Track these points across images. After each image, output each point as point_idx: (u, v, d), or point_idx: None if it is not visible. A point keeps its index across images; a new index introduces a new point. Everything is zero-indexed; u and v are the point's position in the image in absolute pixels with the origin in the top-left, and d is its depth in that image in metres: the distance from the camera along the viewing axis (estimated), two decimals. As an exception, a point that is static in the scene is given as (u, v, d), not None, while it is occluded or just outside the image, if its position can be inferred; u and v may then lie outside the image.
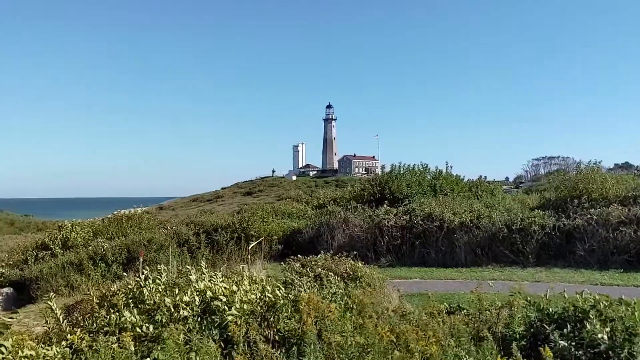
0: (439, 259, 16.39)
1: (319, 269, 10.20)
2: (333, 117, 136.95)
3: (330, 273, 9.79)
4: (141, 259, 14.29)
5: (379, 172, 31.11)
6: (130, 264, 15.91)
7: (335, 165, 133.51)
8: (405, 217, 17.62)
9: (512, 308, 6.47)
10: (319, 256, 12.03)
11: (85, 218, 27.28)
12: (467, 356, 5.22)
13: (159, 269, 7.09)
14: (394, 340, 5.68)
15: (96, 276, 15.26)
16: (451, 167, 25.68)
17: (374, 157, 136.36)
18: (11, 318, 3.95)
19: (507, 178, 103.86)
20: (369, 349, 5.14)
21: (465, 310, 8.03)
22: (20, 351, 3.63)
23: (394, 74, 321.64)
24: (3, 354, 3.28)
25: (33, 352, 3.79)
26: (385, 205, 19.56)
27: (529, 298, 6.55)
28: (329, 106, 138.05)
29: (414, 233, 17.06)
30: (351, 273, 10.32)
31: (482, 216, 16.90)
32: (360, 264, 11.08)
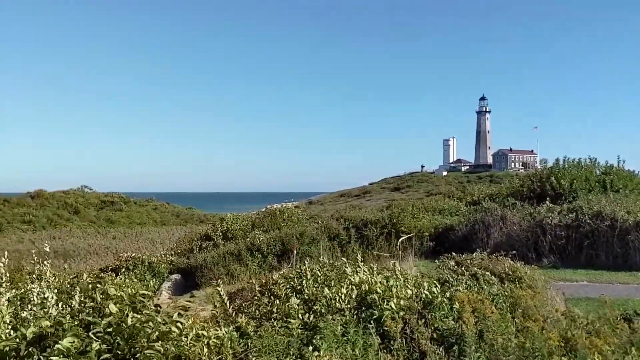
0: (610, 262, 15.12)
1: (475, 268, 9.97)
2: (487, 110, 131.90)
3: (487, 273, 9.52)
4: (294, 252, 15.02)
5: (538, 167, 29.37)
6: (284, 256, 16.76)
7: (489, 160, 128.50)
8: (570, 215, 16.48)
9: None
10: (474, 254, 11.75)
11: (241, 211, 29.25)
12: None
13: (320, 261, 7.40)
14: (562, 345, 5.39)
15: (253, 266, 16.31)
16: (623, 161, 23.47)
17: (532, 151, 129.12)
18: (189, 302, 4.41)
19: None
20: (536, 353, 4.92)
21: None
22: (193, 330, 4.02)
23: (558, 66, 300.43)
24: (180, 330, 3.66)
25: (204, 332, 4.17)
26: (547, 203, 18.45)
27: None
28: (482, 98, 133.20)
29: (580, 233, 15.89)
30: (510, 273, 9.93)
31: (662, 215, 15.25)
32: (519, 264, 10.65)
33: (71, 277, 11.19)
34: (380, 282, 6.69)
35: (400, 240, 16.10)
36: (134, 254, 19.85)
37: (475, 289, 7.98)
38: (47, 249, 6.19)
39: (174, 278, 18.02)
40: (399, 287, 6.67)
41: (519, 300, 7.15)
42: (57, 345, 3.15)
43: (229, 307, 7.05)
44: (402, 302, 6.22)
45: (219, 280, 8.94)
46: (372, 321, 5.83)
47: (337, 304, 6.31)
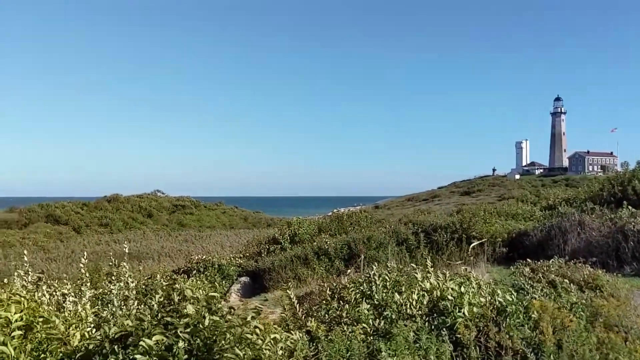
0: (703, 272, 14.19)
1: (552, 275, 9.63)
2: (562, 111, 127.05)
3: (565, 280, 9.18)
4: (362, 256, 14.99)
5: (619, 170, 27.99)
6: (352, 260, 16.74)
7: (565, 163, 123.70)
8: (655, 221, 15.60)
9: None
10: (550, 261, 11.36)
11: (307, 215, 29.48)
12: None
13: (389, 266, 7.37)
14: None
15: (320, 270, 16.39)
16: None
17: (611, 153, 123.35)
18: (262, 305, 4.49)
19: None
20: (620, 366, 4.71)
21: None
22: (269, 334, 4.09)
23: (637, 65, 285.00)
24: (257, 334, 3.74)
25: (277, 336, 4.24)
26: (628, 207, 17.56)
27: None
28: (557, 99, 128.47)
29: (667, 240, 15.01)
30: (590, 281, 9.53)
31: None
32: (600, 272, 10.19)
33: (146, 278, 11.67)
34: (452, 289, 6.59)
35: (472, 246, 15.75)
36: (204, 257, 20.43)
37: (553, 297, 7.71)
38: (127, 251, 6.47)
39: (243, 280, 18.40)
40: (471, 294, 6.54)
41: (599, 309, 6.85)
42: (141, 343, 3.30)
43: (298, 311, 7.14)
44: (475, 309, 6.10)
45: (289, 283, 9.08)
46: (444, 328, 5.75)
47: (408, 310, 6.27)
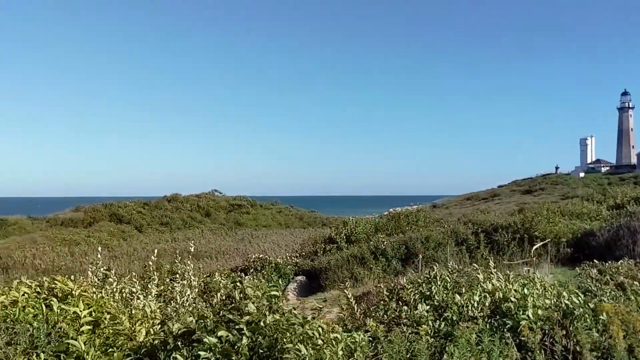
0: None
1: (621, 277, 9.25)
2: (630, 106, 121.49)
3: (635, 282, 8.79)
4: (420, 256, 14.82)
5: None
6: (409, 260, 16.59)
7: (633, 160, 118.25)
8: None
9: None
10: (619, 262, 10.92)
11: (362, 214, 29.39)
12: None
13: (448, 266, 7.26)
14: None
15: (377, 270, 16.32)
16: None
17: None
18: (321, 305, 4.50)
19: None
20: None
21: None
22: (329, 334, 4.10)
23: None
24: (320, 334, 3.76)
25: (338, 336, 4.25)
26: None
27: None
28: (624, 93, 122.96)
29: None
30: (663, 284, 9.08)
31: None
32: (674, 275, 9.71)
33: (205, 276, 11.92)
34: (515, 290, 6.43)
35: (535, 247, 15.32)
36: (261, 255, 20.72)
37: (622, 300, 7.41)
38: (192, 250, 6.63)
39: (299, 280, 18.54)
40: (536, 295, 6.36)
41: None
42: (204, 340, 3.38)
43: (356, 311, 7.13)
44: (539, 311, 5.93)
45: (346, 283, 9.09)
46: (507, 330, 5.62)
47: (470, 312, 6.15)
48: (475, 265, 7.65)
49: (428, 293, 6.84)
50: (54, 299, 4.49)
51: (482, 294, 6.40)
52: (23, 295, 4.56)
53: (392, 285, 7.78)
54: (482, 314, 6.18)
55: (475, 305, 6.20)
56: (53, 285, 4.80)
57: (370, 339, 5.40)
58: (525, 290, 6.39)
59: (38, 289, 4.83)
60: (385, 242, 17.59)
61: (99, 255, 6.17)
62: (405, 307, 6.59)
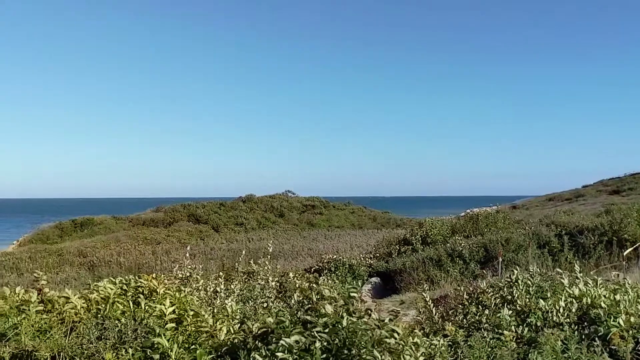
0: None
1: None
2: None
3: None
4: (499, 259, 14.43)
5: None
6: (488, 263, 16.22)
7: None
8: None
9: None
10: None
11: (437, 215, 28.89)
12: None
13: (530, 270, 7.04)
14: None
15: (454, 272, 16.05)
16: None
17: None
18: (399, 308, 4.48)
19: None
20: None
21: None
22: (408, 338, 4.06)
23: None
24: (395, 338, 3.73)
25: (417, 340, 4.20)
26: None
27: None
28: None
29: None
30: None
31: None
32: None
33: (279, 276, 12.10)
34: (604, 296, 6.13)
35: (627, 252, 14.56)
36: (334, 256, 20.81)
37: None
38: (270, 250, 6.75)
39: (374, 281, 18.51)
40: (627, 302, 6.05)
41: None
42: (281, 341, 3.44)
43: (435, 314, 7.03)
44: (632, 319, 5.63)
45: (423, 285, 8.99)
46: (596, 338, 5.36)
47: (555, 318, 5.93)
48: (559, 269, 7.35)
49: (510, 297, 6.65)
50: (141, 296, 4.71)
51: (568, 300, 6.15)
52: (112, 292, 4.81)
53: (472, 288, 7.62)
54: (568, 320, 5.95)
55: (561, 311, 5.97)
56: (139, 283, 5.03)
57: (450, 344, 5.32)
58: (617, 296, 6.09)
59: (125, 287, 5.07)
60: (462, 244, 17.26)
61: (187, 255, 6.41)
62: (487, 312, 6.44)
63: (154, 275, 5.56)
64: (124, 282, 5.09)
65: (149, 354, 4.07)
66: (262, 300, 6.61)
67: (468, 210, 26.65)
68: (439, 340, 4.96)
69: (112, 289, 4.76)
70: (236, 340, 4.23)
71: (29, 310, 4.45)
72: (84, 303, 4.70)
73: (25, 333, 4.08)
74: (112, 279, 5.15)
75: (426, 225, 21.23)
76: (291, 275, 11.37)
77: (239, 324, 4.87)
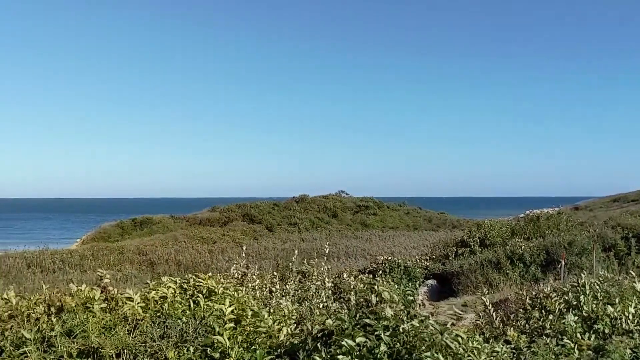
0: None
1: None
2: None
3: None
4: (562, 262, 13.99)
5: None
6: (549, 266, 15.78)
7: None
8: None
9: None
10: None
11: (495, 217, 28.27)
12: None
13: (596, 274, 6.78)
14: None
15: (514, 276, 15.68)
16: None
17: None
18: (462, 313, 4.40)
19: None
20: None
21: None
22: (470, 343, 3.98)
23: None
24: (459, 343, 3.66)
25: (479, 345, 4.11)
26: None
27: None
28: None
29: None
30: None
31: None
32: None
33: (333, 276, 12.11)
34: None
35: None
36: (389, 258, 20.66)
37: None
38: (327, 251, 6.77)
39: (430, 283, 18.28)
40: None
41: None
42: (343, 343, 3.44)
43: (497, 319, 6.87)
44: None
45: (483, 289, 8.80)
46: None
47: (624, 325, 5.70)
48: (631, 273, 7.06)
49: (575, 303, 6.42)
50: (200, 296, 4.81)
51: (639, 306, 5.90)
52: (171, 291, 4.93)
53: (534, 292, 7.41)
54: (638, 327, 5.71)
55: (630, 317, 5.73)
56: (198, 282, 5.13)
57: (513, 350, 5.18)
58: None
59: (185, 286, 5.19)
60: (523, 247, 16.83)
61: (242, 255, 6.50)
62: (551, 317, 6.25)
63: (209, 274, 5.67)
64: (184, 281, 5.21)
65: (209, 352, 4.15)
66: (317, 300, 6.63)
67: (528, 212, 25.93)
68: (501, 347, 4.84)
69: (173, 289, 4.88)
70: (295, 341, 4.25)
71: (93, 307, 4.61)
72: (144, 302, 4.83)
73: (92, 330, 4.22)
74: (172, 278, 5.27)
75: (485, 226, 20.78)
76: (345, 276, 11.37)
77: (294, 325, 4.90)
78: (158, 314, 4.60)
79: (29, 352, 4.00)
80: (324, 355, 3.63)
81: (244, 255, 7.26)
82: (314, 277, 7.57)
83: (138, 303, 4.64)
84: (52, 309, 4.63)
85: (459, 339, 3.70)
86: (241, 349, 4.14)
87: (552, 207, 24.24)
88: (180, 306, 4.83)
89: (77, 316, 4.37)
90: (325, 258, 7.23)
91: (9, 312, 4.54)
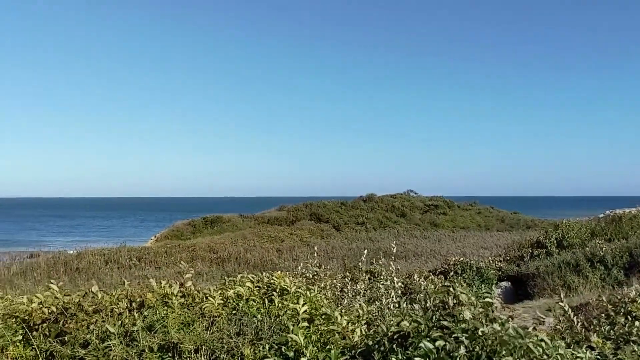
0: None
1: None
2: None
3: None
4: (648, 266, 13.31)
5: None
6: (633, 269, 15.07)
7: None
8: None
9: None
10: None
11: (572, 216, 27.17)
12: None
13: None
14: None
15: (594, 279, 15.07)
16: None
17: None
18: (544, 317, 4.25)
19: None
20: None
21: None
22: (554, 349, 3.84)
23: None
24: (543, 348, 3.54)
25: (561, 351, 3.96)
26: None
27: None
28: None
29: None
30: None
31: None
32: None
33: (403, 277, 12.00)
34: None
35: None
36: (461, 258, 20.29)
37: None
38: (394, 251, 6.71)
39: (504, 285, 17.83)
40: None
41: None
42: (421, 345, 3.39)
43: (579, 324, 6.60)
44: None
45: (553, 291, 8.48)
46: None
47: None
48: None
49: (665, 309, 6.09)
50: (275, 294, 4.88)
51: None
52: (247, 289, 5.03)
53: (619, 297, 7.07)
54: None
55: None
56: (272, 281, 5.21)
57: (598, 356, 4.96)
58: None
59: (259, 284, 5.28)
60: (604, 249, 16.12)
61: (314, 254, 6.55)
62: (637, 323, 5.94)
63: (279, 272, 5.74)
64: (259, 279, 5.31)
65: (283, 350, 4.20)
66: (387, 301, 6.59)
67: (608, 212, 24.79)
68: (584, 352, 4.64)
69: (249, 287, 4.98)
70: (370, 342, 4.23)
71: (172, 302, 4.77)
72: (221, 299, 4.95)
73: (171, 325, 4.37)
74: (247, 276, 5.38)
75: (562, 227, 20.03)
76: (416, 276, 11.24)
77: (366, 325, 4.89)
78: (234, 312, 4.71)
79: (113, 346, 4.18)
80: (400, 357, 3.60)
81: (315, 254, 7.29)
82: (382, 277, 7.53)
83: (217, 301, 4.76)
84: (134, 304, 4.83)
85: (543, 343, 3.57)
86: (315, 348, 4.16)
87: (637, 207, 23.03)
88: (255, 304, 4.92)
89: (158, 312, 4.53)
90: (392, 258, 7.16)
91: (94, 306, 4.75)
